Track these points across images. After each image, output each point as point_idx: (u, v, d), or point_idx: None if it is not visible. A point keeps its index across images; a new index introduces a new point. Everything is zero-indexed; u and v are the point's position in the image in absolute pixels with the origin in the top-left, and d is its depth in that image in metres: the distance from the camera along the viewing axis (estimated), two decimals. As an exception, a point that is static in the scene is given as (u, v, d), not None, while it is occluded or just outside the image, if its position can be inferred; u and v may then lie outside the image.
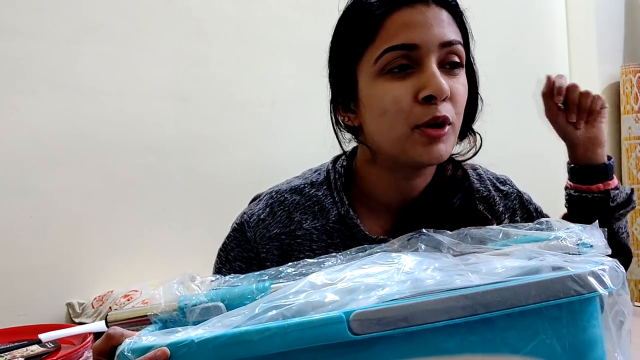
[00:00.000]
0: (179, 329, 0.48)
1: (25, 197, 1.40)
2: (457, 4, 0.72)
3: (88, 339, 1.12)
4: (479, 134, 0.82)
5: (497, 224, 0.76)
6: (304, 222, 0.75)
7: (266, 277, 0.55)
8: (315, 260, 0.56)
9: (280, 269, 0.56)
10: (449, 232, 0.56)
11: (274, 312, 0.45)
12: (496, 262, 0.47)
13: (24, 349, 1.14)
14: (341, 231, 0.75)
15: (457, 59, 0.69)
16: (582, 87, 0.88)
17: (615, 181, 0.88)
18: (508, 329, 0.43)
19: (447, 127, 0.68)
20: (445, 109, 0.67)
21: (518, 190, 0.89)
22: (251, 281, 0.55)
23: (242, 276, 0.56)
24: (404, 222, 0.75)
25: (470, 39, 0.76)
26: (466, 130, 0.79)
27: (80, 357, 1.12)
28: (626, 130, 2.49)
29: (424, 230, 0.57)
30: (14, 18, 1.40)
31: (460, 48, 0.70)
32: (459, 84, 0.69)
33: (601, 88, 2.54)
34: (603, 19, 2.56)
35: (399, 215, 0.76)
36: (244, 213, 0.78)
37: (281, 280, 0.54)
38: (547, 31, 2.60)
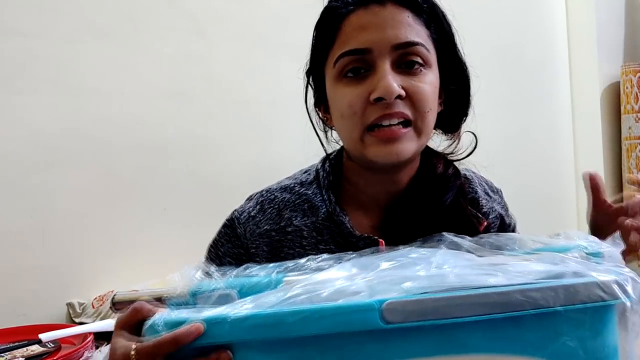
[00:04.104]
0: (207, 307, 0.49)
1: (25, 197, 1.40)
2: (422, 1, 0.71)
3: (88, 339, 1.12)
4: (474, 134, 0.82)
5: (486, 223, 0.77)
6: (294, 219, 0.76)
7: (283, 269, 0.56)
8: (335, 255, 0.56)
9: (300, 261, 0.56)
10: (468, 237, 0.57)
11: (305, 296, 0.45)
12: (524, 265, 0.48)
13: (24, 349, 1.14)
14: (330, 228, 0.75)
15: (415, 59, 0.69)
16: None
17: None
18: (533, 329, 0.44)
19: (407, 128, 0.69)
20: (401, 107, 0.68)
21: (505, 205, 0.87)
22: (269, 272, 0.55)
23: (258, 266, 0.56)
24: (391, 218, 0.76)
25: (454, 35, 0.76)
26: (455, 126, 0.79)
27: (81, 357, 1.12)
28: (626, 130, 2.49)
29: (444, 233, 0.57)
30: (14, 18, 1.40)
31: (420, 49, 0.69)
32: (420, 82, 0.69)
33: (601, 88, 2.54)
34: (603, 19, 2.56)
35: (387, 212, 0.77)
36: (235, 210, 0.80)
37: (296, 273, 0.54)
38: (547, 31, 2.60)
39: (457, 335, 0.44)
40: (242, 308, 0.45)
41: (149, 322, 0.47)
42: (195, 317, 0.45)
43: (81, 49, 1.48)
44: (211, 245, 0.80)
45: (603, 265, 0.49)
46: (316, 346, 0.44)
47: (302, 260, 0.56)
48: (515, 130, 2.40)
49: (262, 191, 0.81)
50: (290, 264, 0.56)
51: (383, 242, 0.73)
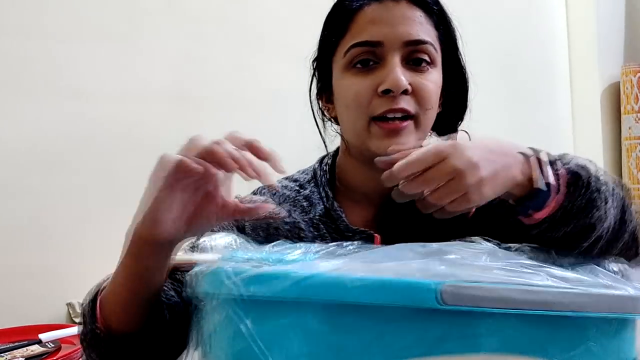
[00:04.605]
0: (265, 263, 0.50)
1: (25, 198, 1.40)
2: (432, 3, 0.74)
3: (88, 339, 1.12)
4: (468, 133, 0.83)
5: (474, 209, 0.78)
6: (293, 212, 0.78)
7: (316, 250, 0.56)
8: (370, 245, 0.58)
9: (332, 245, 0.57)
10: (500, 243, 0.58)
11: (365, 267, 0.46)
12: (563, 271, 0.51)
13: (24, 349, 1.14)
14: (327, 224, 0.77)
15: (423, 57, 0.71)
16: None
17: (552, 205, 0.59)
18: (564, 330, 0.47)
19: (407, 122, 0.70)
20: (405, 102, 0.69)
21: None
22: (303, 251, 0.56)
23: (291, 244, 0.57)
24: (386, 213, 0.77)
25: (457, 39, 0.78)
26: (451, 128, 0.81)
27: (81, 357, 1.12)
28: (626, 130, 2.49)
29: (478, 238, 0.58)
30: (14, 18, 1.40)
31: (429, 48, 0.71)
32: (426, 80, 0.71)
33: (601, 88, 2.54)
34: (603, 19, 2.56)
35: (381, 207, 0.78)
36: (238, 194, 0.82)
37: (332, 256, 0.55)
38: (547, 31, 2.60)
39: (500, 326, 0.45)
40: (305, 267, 0.47)
41: (210, 269, 0.48)
42: (256, 269, 0.46)
43: (81, 49, 1.48)
44: None
45: (634, 282, 0.52)
46: (365, 315, 0.44)
47: (334, 245, 0.57)
48: (515, 130, 2.40)
49: (264, 185, 0.83)
50: (323, 246, 0.57)
51: (379, 237, 0.74)
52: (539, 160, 0.60)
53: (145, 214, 0.56)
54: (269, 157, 0.60)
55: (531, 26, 2.54)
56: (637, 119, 2.45)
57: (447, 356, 0.45)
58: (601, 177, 0.61)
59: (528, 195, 0.59)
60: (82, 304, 0.69)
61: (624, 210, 0.63)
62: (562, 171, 0.60)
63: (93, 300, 0.66)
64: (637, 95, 2.45)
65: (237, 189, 0.89)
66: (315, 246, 0.56)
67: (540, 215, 0.59)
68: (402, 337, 0.44)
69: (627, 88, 2.48)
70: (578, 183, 0.59)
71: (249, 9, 1.77)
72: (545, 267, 0.50)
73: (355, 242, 0.57)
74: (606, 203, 0.60)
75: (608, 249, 0.63)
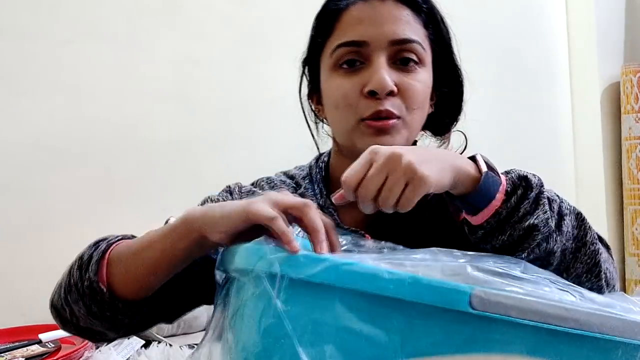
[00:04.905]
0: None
1: (25, 197, 1.40)
2: (421, 1, 0.73)
3: (88, 339, 1.12)
4: (464, 133, 0.83)
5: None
6: None
7: (345, 244, 0.57)
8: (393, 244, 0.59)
9: (360, 241, 0.59)
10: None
11: (401, 263, 0.48)
12: (594, 294, 0.52)
13: (24, 349, 1.14)
14: None
15: (411, 56, 0.70)
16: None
17: (496, 202, 0.60)
18: (591, 348, 0.48)
19: (394, 120, 0.69)
20: (391, 104, 0.69)
21: None
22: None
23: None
24: (376, 213, 0.78)
25: (451, 38, 0.77)
26: (444, 129, 0.80)
27: (81, 357, 1.12)
28: (626, 130, 2.49)
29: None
30: (13, 18, 1.40)
31: (416, 47, 0.70)
32: (413, 80, 0.70)
33: (601, 88, 2.54)
34: (603, 19, 2.56)
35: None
36: (238, 182, 0.83)
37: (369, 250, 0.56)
38: (547, 31, 2.60)
39: (527, 336, 0.46)
40: (344, 255, 0.48)
41: (251, 245, 0.50)
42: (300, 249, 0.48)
43: (80, 49, 1.48)
44: (204, 200, 0.82)
45: None
46: (395, 308, 0.45)
47: (362, 240, 0.59)
48: (515, 130, 2.40)
49: (261, 177, 0.84)
50: (352, 240, 0.58)
51: (369, 236, 0.74)
52: (486, 161, 0.62)
53: (212, 215, 0.58)
54: (331, 230, 0.58)
55: (531, 26, 2.54)
56: (637, 119, 2.45)
57: (474, 355, 0.46)
58: (550, 192, 0.62)
59: (477, 189, 0.59)
60: (81, 254, 0.69)
61: (584, 232, 0.63)
62: (511, 175, 0.62)
63: (101, 256, 0.68)
64: (637, 95, 2.45)
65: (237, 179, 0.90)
66: (343, 240, 0.57)
67: (486, 213, 0.60)
68: (429, 334, 0.46)
69: (627, 88, 2.47)
70: (524, 184, 0.60)
71: (249, 9, 1.77)
72: (576, 286, 0.52)
73: (384, 242, 0.58)
74: (560, 215, 0.61)
75: (565, 267, 0.62)
